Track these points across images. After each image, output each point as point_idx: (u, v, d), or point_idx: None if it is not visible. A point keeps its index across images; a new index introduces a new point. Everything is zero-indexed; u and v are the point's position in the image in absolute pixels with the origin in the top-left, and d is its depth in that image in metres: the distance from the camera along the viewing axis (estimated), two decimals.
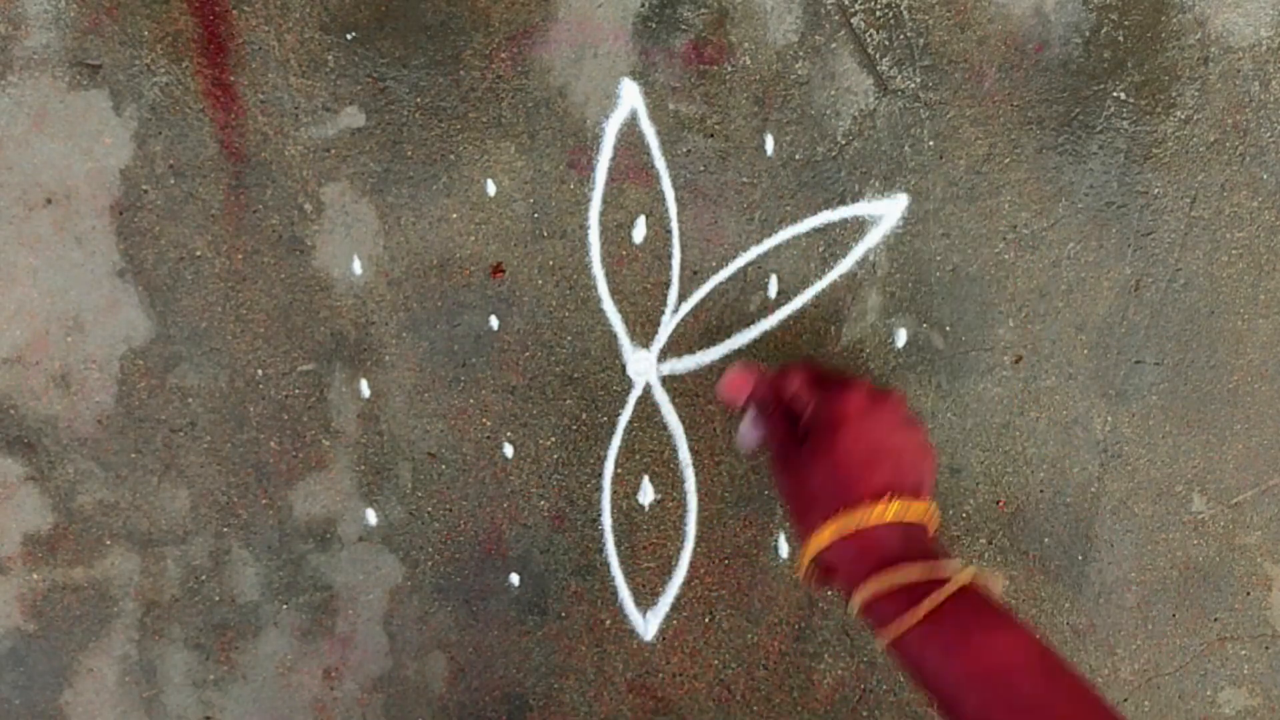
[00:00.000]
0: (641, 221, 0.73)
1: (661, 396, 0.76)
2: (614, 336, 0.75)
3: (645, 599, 0.79)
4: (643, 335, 0.75)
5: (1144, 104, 0.76)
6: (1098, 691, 0.52)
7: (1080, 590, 0.83)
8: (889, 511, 0.57)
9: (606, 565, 0.78)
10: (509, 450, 0.75)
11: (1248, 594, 0.86)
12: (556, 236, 0.72)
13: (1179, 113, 0.77)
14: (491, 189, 0.71)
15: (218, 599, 0.74)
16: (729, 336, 0.76)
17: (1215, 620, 0.86)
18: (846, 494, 0.58)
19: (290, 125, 0.68)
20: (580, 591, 0.78)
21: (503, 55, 0.69)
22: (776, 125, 0.73)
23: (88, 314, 0.69)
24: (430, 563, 0.76)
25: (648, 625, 0.79)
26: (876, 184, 0.75)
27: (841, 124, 0.73)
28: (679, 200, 0.73)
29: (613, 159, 0.72)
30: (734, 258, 0.75)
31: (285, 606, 0.75)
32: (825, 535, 0.57)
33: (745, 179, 0.73)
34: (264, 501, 0.73)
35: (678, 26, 0.70)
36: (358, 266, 0.71)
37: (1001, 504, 0.82)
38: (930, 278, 0.77)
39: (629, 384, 0.76)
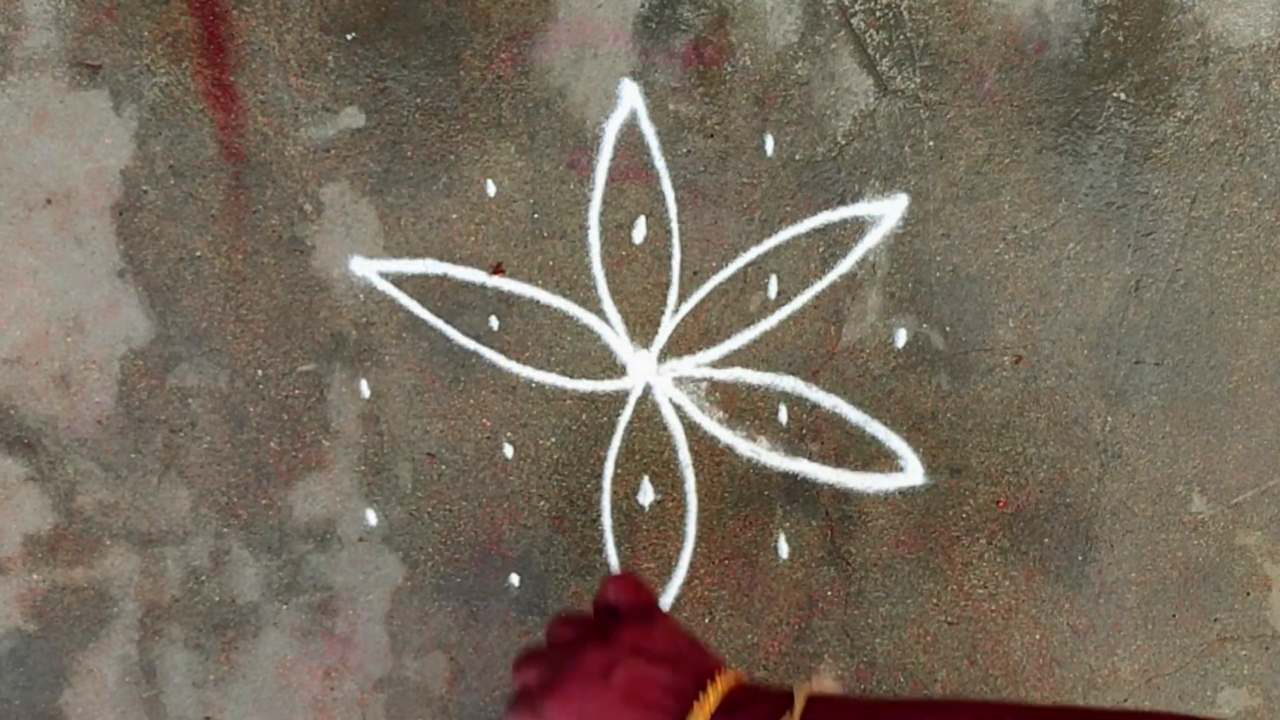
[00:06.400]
0: (641, 222, 0.73)
1: (661, 397, 0.76)
2: (614, 336, 0.75)
3: None
4: (643, 336, 0.75)
5: (1144, 104, 0.76)
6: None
7: (1080, 590, 0.83)
8: (714, 696, 0.53)
9: (606, 565, 0.78)
10: (509, 450, 0.75)
11: (1248, 594, 0.86)
12: (556, 236, 0.72)
13: (1179, 113, 0.77)
14: (491, 189, 0.71)
15: (218, 599, 0.74)
16: (729, 337, 0.76)
17: (1215, 620, 0.86)
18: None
19: (290, 125, 0.68)
20: (580, 591, 0.78)
21: (503, 56, 0.69)
22: (776, 125, 0.73)
23: (88, 314, 0.69)
24: (430, 563, 0.76)
25: None
26: (876, 184, 0.75)
27: (841, 124, 0.73)
28: (679, 200, 0.73)
29: (613, 159, 0.72)
30: (734, 258, 0.75)
31: (285, 606, 0.75)
32: None
33: (745, 179, 0.73)
34: (264, 501, 0.73)
35: (678, 27, 0.70)
36: (358, 267, 0.71)
37: (1001, 504, 0.82)
38: (930, 278, 0.77)
39: (629, 384, 0.76)
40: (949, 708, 0.48)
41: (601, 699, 0.51)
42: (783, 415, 0.78)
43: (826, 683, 0.52)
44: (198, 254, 0.69)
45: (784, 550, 0.79)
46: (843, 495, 0.79)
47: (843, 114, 0.73)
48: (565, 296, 0.73)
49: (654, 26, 0.70)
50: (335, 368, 0.72)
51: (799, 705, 0.48)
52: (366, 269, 0.71)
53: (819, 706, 0.50)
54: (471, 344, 0.73)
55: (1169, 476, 0.83)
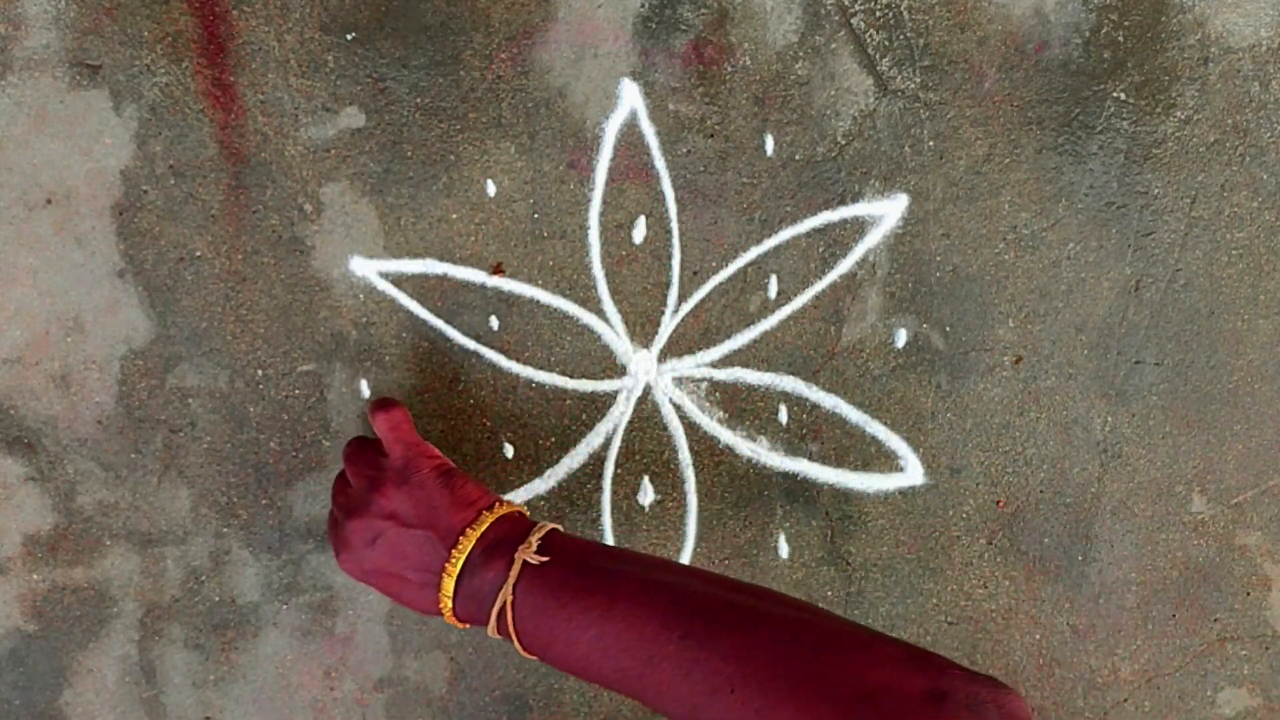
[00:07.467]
0: (641, 222, 0.73)
1: (661, 397, 0.76)
2: (614, 337, 0.75)
3: None
4: (643, 336, 0.75)
5: (1144, 104, 0.76)
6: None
7: (1080, 590, 0.84)
8: (491, 518, 0.59)
9: None
10: (509, 450, 0.75)
11: (1248, 594, 0.86)
12: (556, 236, 0.72)
13: (1179, 113, 0.77)
14: (491, 189, 0.71)
15: (218, 599, 0.74)
16: (729, 337, 0.76)
17: (1215, 620, 0.86)
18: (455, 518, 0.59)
19: (290, 125, 0.68)
20: None
21: (503, 55, 0.69)
22: (776, 125, 0.73)
23: (88, 314, 0.69)
24: None
25: None
26: (876, 184, 0.75)
27: (841, 124, 0.73)
28: (679, 200, 0.73)
29: (613, 159, 0.72)
30: (734, 258, 0.75)
31: (285, 606, 0.75)
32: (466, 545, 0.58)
33: (745, 179, 0.73)
34: (264, 501, 0.73)
35: (678, 26, 0.70)
36: (358, 267, 0.71)
37: (1001, 504, 0.82)
38: (930, 278, 0.77)
39: (629, 384, 0.76)
40: (658, 565, 0.56)
41: (375, 559, 0.61)
42: (783, 415, 0.78)
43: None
44: (198, 254, 0.69)
45: (784, 550, 0.79)
46: (843, 495, 0.79)
47: (843, 114, 0.73)
48: (565, 296, 0.73)
49: (654, 26, 0.70)
50: (335, 368, 0.72)
51: (534, 539, 0.57)
52: (366, 269, 0.71)
53: (558, 542, 0.57)
54: (471, 344, 0.73)
55: (1169, 476, 0.83)
